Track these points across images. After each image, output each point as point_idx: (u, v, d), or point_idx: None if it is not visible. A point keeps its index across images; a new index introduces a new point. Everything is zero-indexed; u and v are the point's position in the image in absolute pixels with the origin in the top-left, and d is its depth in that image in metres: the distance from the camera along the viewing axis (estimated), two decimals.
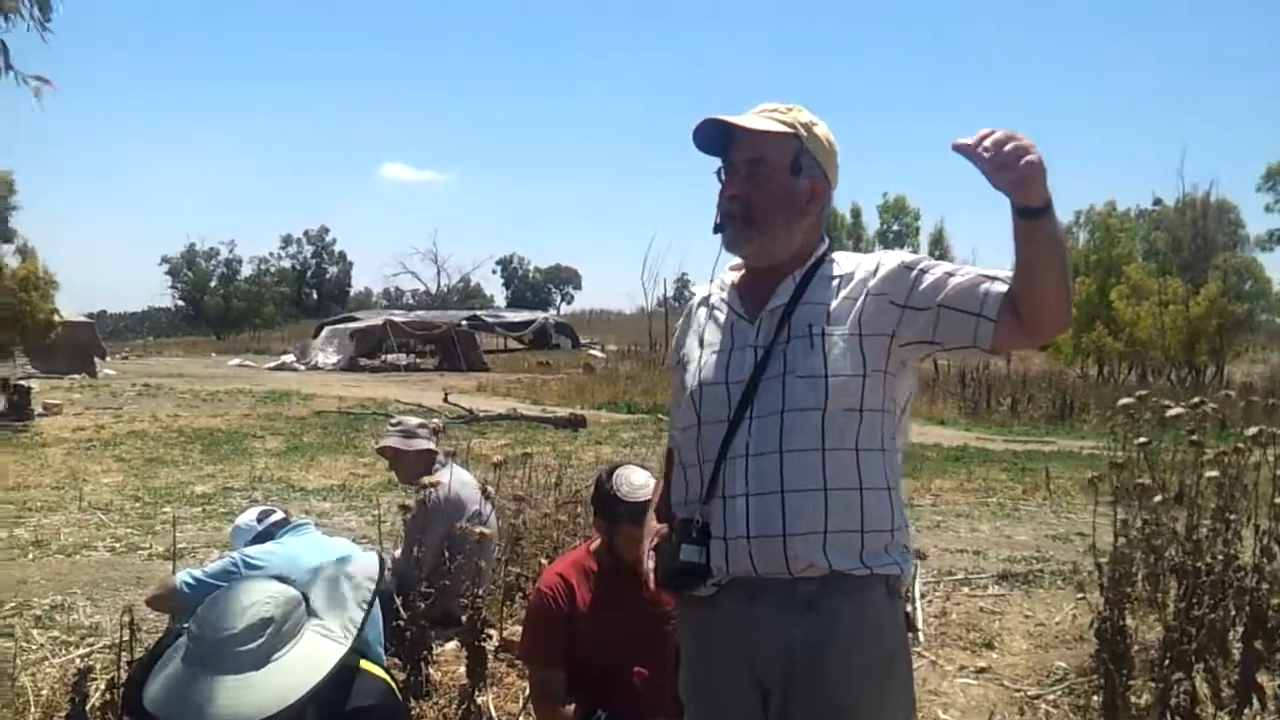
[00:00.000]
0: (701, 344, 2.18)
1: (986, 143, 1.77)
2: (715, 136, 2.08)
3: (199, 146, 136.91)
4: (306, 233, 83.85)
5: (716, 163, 2.13)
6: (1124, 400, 4.43)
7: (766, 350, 2.05)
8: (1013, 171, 1.76)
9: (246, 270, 76.05)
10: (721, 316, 2.18)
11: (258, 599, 2.14)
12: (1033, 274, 1.87)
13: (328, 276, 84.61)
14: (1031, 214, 1.81)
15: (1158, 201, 39.27)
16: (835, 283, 2.08)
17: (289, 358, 34.96)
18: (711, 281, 2.29)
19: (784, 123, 2.06)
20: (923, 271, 2.00)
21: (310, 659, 2.14)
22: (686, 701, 2.22)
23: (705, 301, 2.25)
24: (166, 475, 10.55)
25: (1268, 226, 31.83)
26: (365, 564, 2.46)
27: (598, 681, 3.14)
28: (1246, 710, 3.66)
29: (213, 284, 72.76)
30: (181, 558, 6.32)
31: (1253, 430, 3.72)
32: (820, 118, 2.13)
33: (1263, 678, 3.68)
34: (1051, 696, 4.40)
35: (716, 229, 2.13)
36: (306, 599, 2.26)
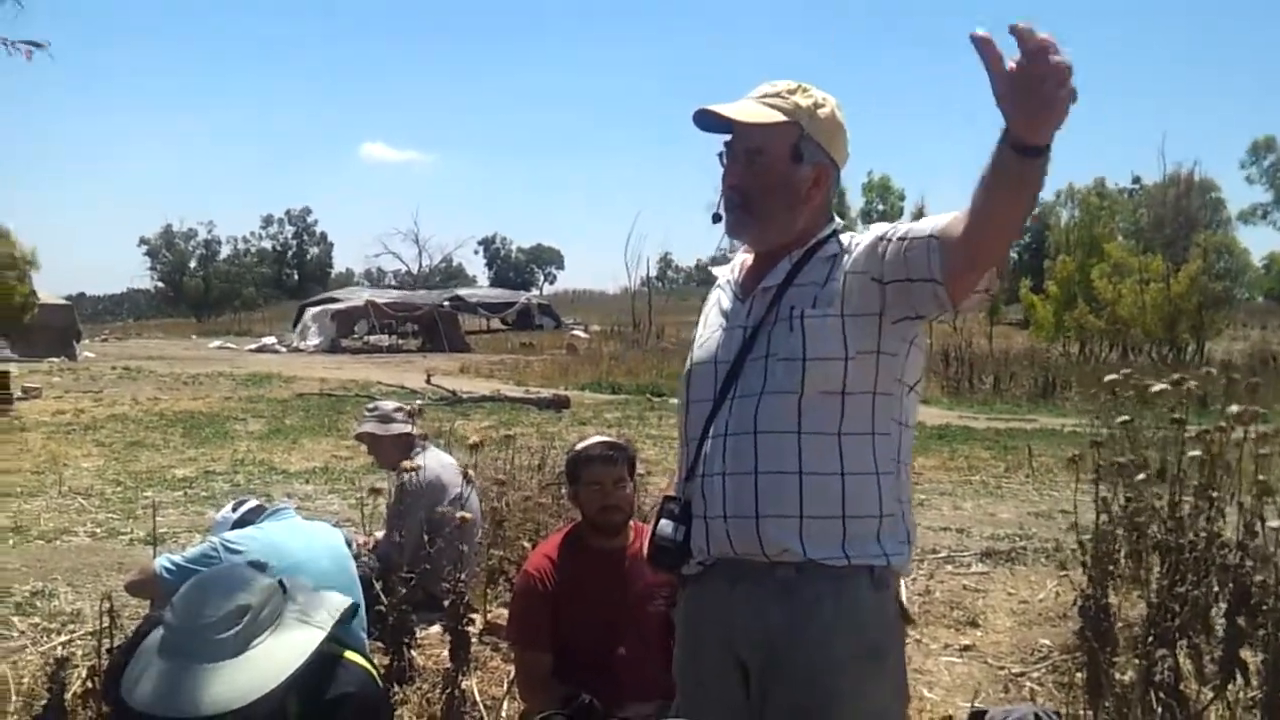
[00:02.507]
0: (705, 324, 2.18)
1: (1029, 45, 1.46)
2: (716, 116, 2.02)
3: (177, 126, 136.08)
4: (288, 213, 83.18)
5: (718, 144, 2.07)
6: (1109, 377, 4.43)
7: (754, 330, 2.03)
8: (1039, 95, 1.49)
9: (225, 251, 75.49)
10: (725, 297, 2.17)
11: (234, 587, 2.11)
12: (995, 218, 1.71)
13: (309, 257, 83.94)
14: (1033, 152, 1.58)
15: (1137, 180, 39.54)
16: (831, 263, 2.02)
17: (270, 339, 34.74)
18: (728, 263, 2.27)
19: (783, 109, 2.00)
20: (888, 242, 1.91)
21: (289, 646, 2.12)
22: (678, 679, 2.22)
23: (719, 284, 2.23)
24: (147, 459, 10.47)
25: (1252, 200, 32.09)
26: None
27: (583, 663, 3.13)
28: (1230, 686, 3.66)
29: (192, 265, 72.14)
30: (163, 543, 6.26)
31: (1235, 409, 3.70)
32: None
33: (1245, 653, 3.68)
34: (1035, 674, 4.42)
35: (716, 219, 2.09)
36: (284, 586, 2.24)
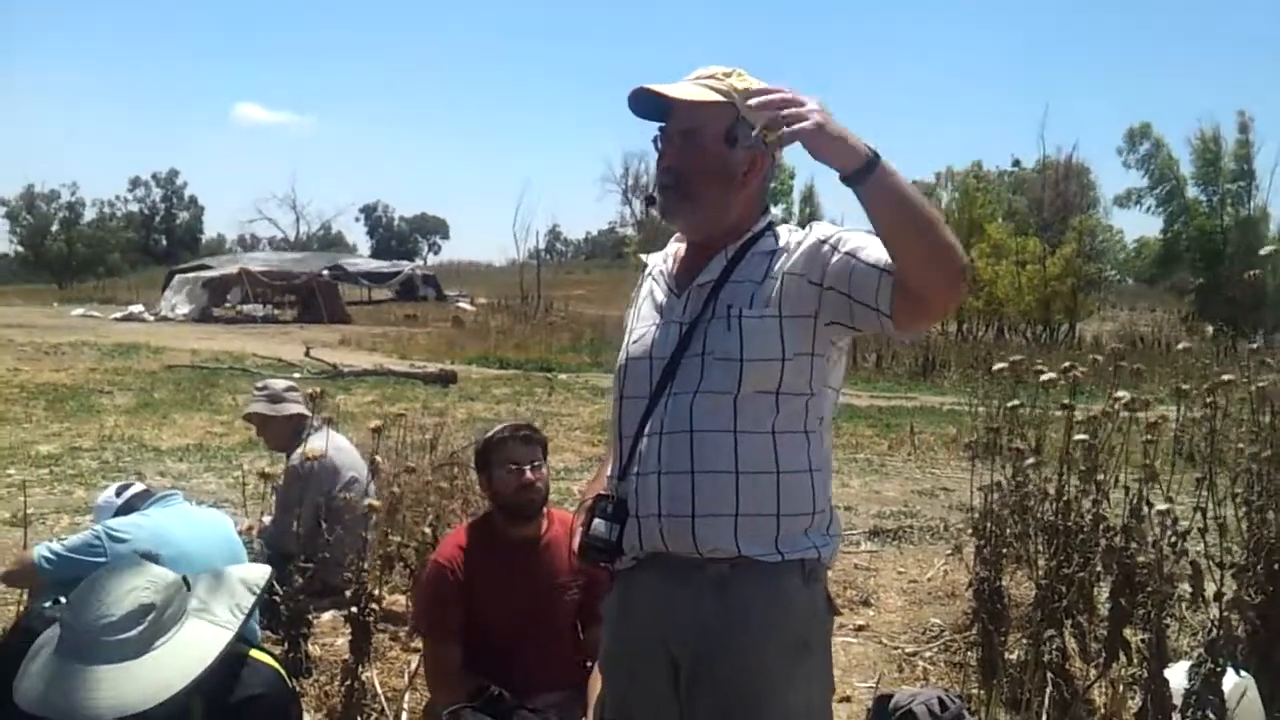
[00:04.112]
0: (639, 317, 2.14)
1: (756, 102, 1.77)
2: (652, 102, 2.00)
3: (37, 82, 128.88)
4: (155, 175, 79.84)
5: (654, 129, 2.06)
6: (998, 365, 4.55)
7: (691, 327, 2.00)
8: (797, 137, 1.73)
9: (90, 215, 71.83)
10: (659, 290, 2.14)
11: (136, 585, 2.01)
12: (892, 244, 1.79)
13: (178, 222, 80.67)
14: (852, 179, 1.74)
15: (1016, 163, 40.84)
16: (768, 260, 2.01)
17: (137, 308, 33.31)
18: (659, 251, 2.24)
19: (719, 90, 1.97)
20: (833, 249, 1.92)
21: (195, 646, 2.03)
22: (606, 672, 2.21)
23: (651, 274, 2.20)
24: (8, 435, 9.91)
25: (1127, 185, 33.27)
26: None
27: (493, 653, 3.07)
28: (1114, 664, 3.80)
29: (54, 229, 68.52)
30: (30, 524, 5.95)
31: (1126, 396, 3.83)
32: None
33: (1128, 632, 3.82)
34: (928, 653, 4.52)
35: (649, 201, 2.08)
36: (188, 583, 2.13)
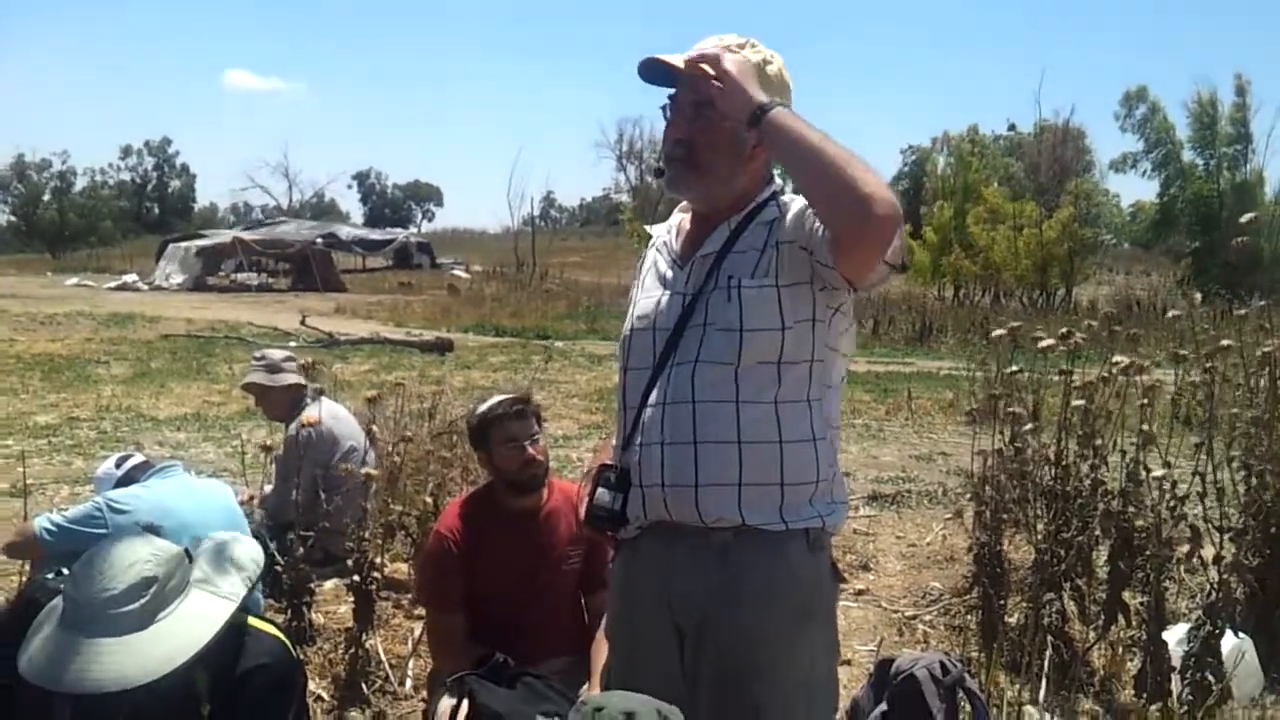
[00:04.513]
0: (643, 289, 2.14)
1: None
2: (661, 68, 1.97)
3: (27, 49, 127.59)
4: (147, 143, 79.39)
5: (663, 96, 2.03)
6: (997, 332, 4.54)
7: (693, 298, 2.00)
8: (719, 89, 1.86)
9: (81, 183, 71.37)
10: (662, 261, 2.13)
11: (138, 557, 2.01)
12: (799, 186, 1.87)
13: (170, 190, 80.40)
14: (754, 120, 1.85)
15: (1012, 127, 40.63)
16: (769, 229, 2.00)
17: (131, 277, 33.17)
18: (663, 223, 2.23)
19: None
20: (815, 215, 1.91)
21: (197, 618, 2.04)
22: (611, 637, 2.22)
23: (655, 245, 2.18)
24: (5, 405, 9.91)
25: (1123, 149, 33.09)
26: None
27: (496, 622, 3.07)
28: (1113, 627, 3.83)
29: (45, 198, 68.08)
30: (30, 495, 5.95)
31: (1123, 360, 3.83)
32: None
33: (1127, 595, 3.85)
34: (928, 617, 4.54)
35: (657, 173, 2.06)
36: (190, 555, 2.13)
